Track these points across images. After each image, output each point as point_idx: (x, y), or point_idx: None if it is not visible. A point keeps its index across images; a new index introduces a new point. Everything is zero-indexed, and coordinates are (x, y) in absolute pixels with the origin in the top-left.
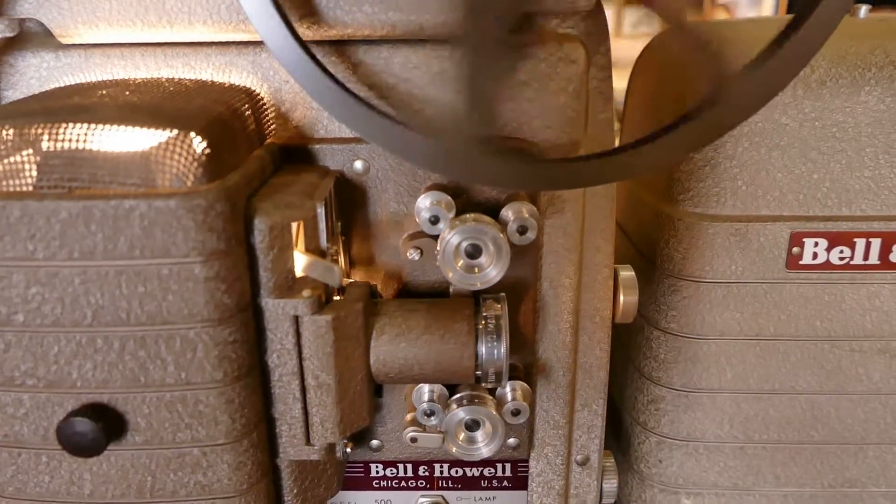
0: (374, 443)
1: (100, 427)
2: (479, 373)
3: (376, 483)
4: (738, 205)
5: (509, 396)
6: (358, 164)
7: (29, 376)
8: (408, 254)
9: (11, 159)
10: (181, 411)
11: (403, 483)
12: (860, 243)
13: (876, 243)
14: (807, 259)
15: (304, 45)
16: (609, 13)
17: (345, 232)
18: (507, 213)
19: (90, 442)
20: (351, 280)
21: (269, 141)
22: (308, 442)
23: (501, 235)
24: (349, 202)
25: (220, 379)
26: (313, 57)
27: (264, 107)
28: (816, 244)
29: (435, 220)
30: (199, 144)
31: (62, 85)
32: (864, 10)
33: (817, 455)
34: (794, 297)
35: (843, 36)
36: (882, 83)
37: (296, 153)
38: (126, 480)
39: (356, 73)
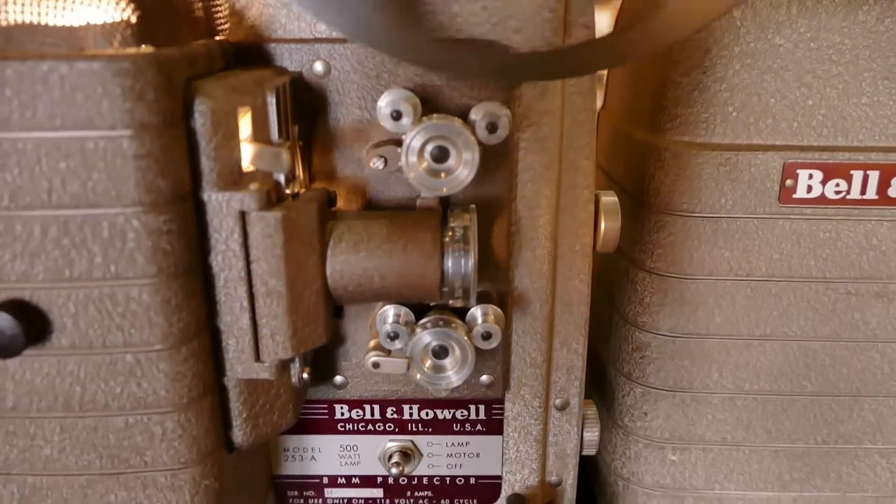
0: (338, 379)
1: (20, 326)
2: (445, 288)
3: (341, 426)
4: (728, 132)
5: (480, 320)
6: (318, 66)
7: None
8: (371, 163)
9: None
10: (111, 310)
11: (371, 427)
12: (857, 176)
13: (874, 176)
14: (801, 192)
15: None
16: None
17: (304, 140)
18: (476, 112)
19: (8, 339)
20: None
21: (225, 38)
22: (258, 358)
23: (470, 134)
24: (308, 108)
25: (154, 274)
26: None
27: (215, 1)
28: (811, 176)
29: (397, 116)
30: (131, 10)
31: None
32: None
33: (810, 408)
34: (786, 233)
35: None
36: (881, 2)
37: (251, 53)
38: (52, 391)
39: None
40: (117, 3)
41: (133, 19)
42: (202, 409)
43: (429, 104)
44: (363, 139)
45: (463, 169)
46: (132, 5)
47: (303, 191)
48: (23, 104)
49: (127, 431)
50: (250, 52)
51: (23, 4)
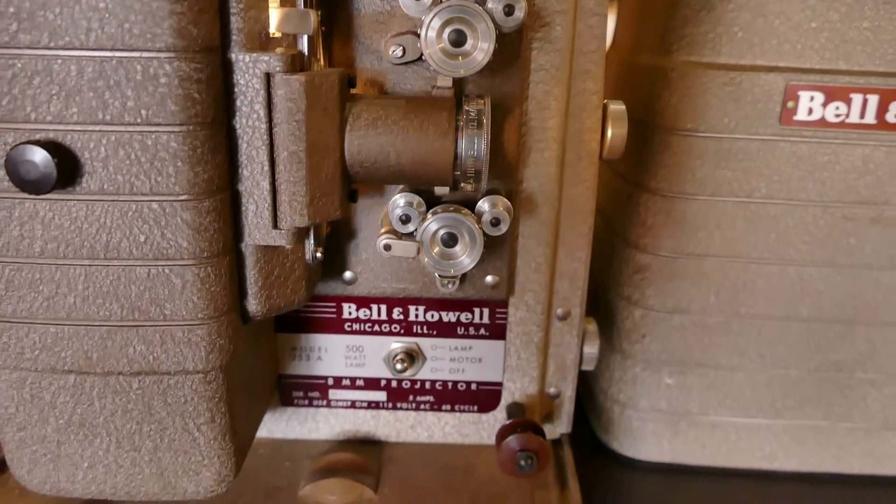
0: (348, 274)
1: (52, 159)
2: (457, 172)
3: (348, 326)
4: (733, 53)
5: (489, 208)
6: None
7: None
8: (390, 51)
9: None
10: (140, 156)
11: (377, 327)
12: (857, 99)
13: (873, 100)
14: (801, 115)
15: None
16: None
17: (326, 27)
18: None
19: (42, 175)
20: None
21: None
22: (276, 225)
23: (488, 16)
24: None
25: (183, 121)
26: None
27: None
28: (812, 98)
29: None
30: None
31: None
32: None
33: (804, 334)
34: (786, 155)
35: None
36: None
37: None
38: (79, 236)
39: None
40: None
41: None
42: (221, 266)
43: None
44: (383, 31)
45: (479, 52)
46: None
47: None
48: None
49: (149, 282)
50: None
51: None
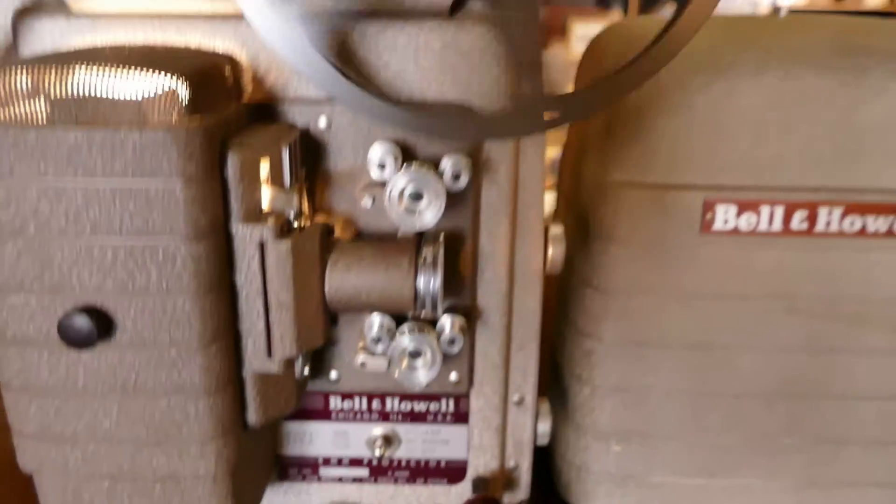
0: (333, 374)
1: (94, 324)
2: (418, 303)
3: (335, 415)
4: (658, 174)
5: (447, 329)
6: (322, 121)
7: (36, 280)
8: (362, 202)
9: (28, 99)
10: (161, 316)
11: (359, 415)
12: (765, 211)
13: (779, 211)
14: (719, 225)
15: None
16: None
17: (308, 181)
18: (446, 161)
19: (85, 336)
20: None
21: (245, 100)
22: (270, 355)
23: (439, 182)
24: (313, 155)
25: (195, 289)
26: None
27: (242, 70)
28: (727, 211)
29: (382, 166)
30: (184, 88)
31: (71, 48)
32: (784, 9)
33: (733, 407)
34: (708, 258)
35: (750, 26)
36: (784, 66)
37: (268, 111)
38: (114, 376)
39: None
40: (175, 79)
41: (186, 94)
42: (226, 394)
43: (409, 151)
44: (356, 181)
45: (431, 211)
46: (186, 82)
47: (308, 223)
48: (105, 160)
49: (168, 410)
50: (269, 110)
51: (99, 77)
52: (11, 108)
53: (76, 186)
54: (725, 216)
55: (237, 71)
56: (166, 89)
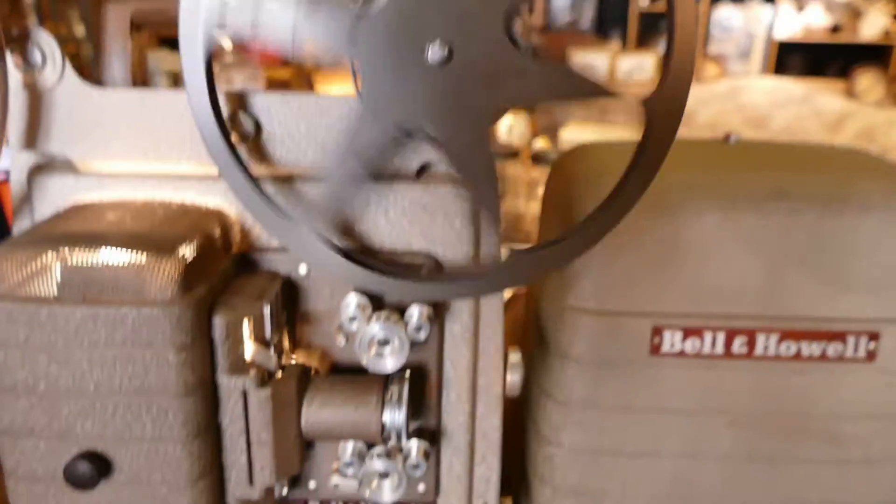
0: (311, 484)
1: (94, 468)
2: (385, 433)
3: None
4: (612, 302)
5: (413, 453)
6: (302, 269)
7: (45, 429)
8: (337, 340)
9: (40, 276)
10: (154, 459)
11: None
12: (708, 336)
13: (721, 336)
14: (666, 348)
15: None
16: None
17: (290, 321)
18: (411, 312)
19: (87, 480)
20: (293, 360)
21: (234, 251)
22: (251, 484)
23: (404, 333)
24: (294, 298)
25: (185, 437)
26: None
27: (231, 225)
28: (673, 336)
29: (352, 319)
30: (177, 268)
31: (80, 202)
32: (733, 138)
33: None
34: (657, 377)
35: (696, 166)
36: (724, 209)
37: (254, 260)
38: None
39: (297, 198)
40: (171, 262)
41: (180, 274)
42: None
43: (379, 300)
44: (332, 320)
45: (395, 358)
46: (180, 264)
47: (289, 361)
48: (107, 333)
49: None
50: (255, 259)
51: (103, 259)
52: (25, 286)
53: (82, 355)
54: (672, 340)
55: (226, 226)
56: (163, 271)
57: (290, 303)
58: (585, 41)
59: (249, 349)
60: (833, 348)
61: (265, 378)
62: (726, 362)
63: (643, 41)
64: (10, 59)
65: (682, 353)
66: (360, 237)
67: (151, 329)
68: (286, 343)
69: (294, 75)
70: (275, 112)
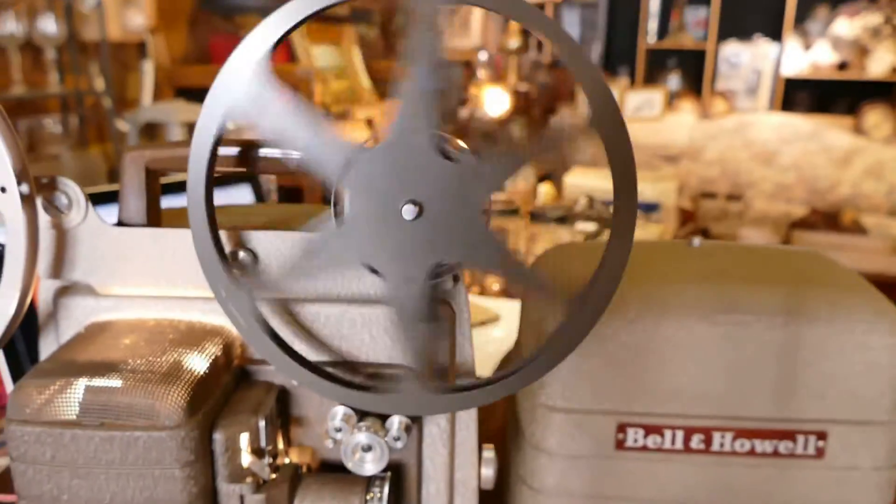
0: None
1: None
2: None
3: None
4: (580, 402)
5: None
6: (295, 381)
7: None
8: (326, 442)
9: (63, 402)
10: None
11: None
12: (668, 433)
13: (679, 434)
14: (629, 443)
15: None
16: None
17: (284, 423)
18: (390, 423)
19: None
20: (287, 460)
21: (234, 364)
22: None
23: (384, 443)
24: (288, 404)
25: None
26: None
27: (232, 341)
28: (636, 432)
29: (338, 430)
30: (183, 396)
31: (98, 321)
32: (696, 240)
33: None
34: (622, 469)
35: (656, 275)
36: (679, 319)
37: (252, 371)
38: None
39: (290, 321)
40: (178, 390)
41: (186, 401)
42: None
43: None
44: (322, 423)
45: (375, 464)
46: (187, 394)
47: (283, 459)
48: (122, 453)
49: None
50: (253, 370)
51: (118, 389)
52: (50, 411)
53: (100, 471)
54: (635, 436)
55: (228, 342)
56: (171, 399)
57: (285, 408)
58: None
59: (246, 459)
60: (784, 446)
61: (260, 483)
62: (685, 457)
63: (651, 77)
64: (40, 204)
65: (644, 448)
66: (345, 354)
67: (160, 450)
68: (281, 444)
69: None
70: (271, 247)
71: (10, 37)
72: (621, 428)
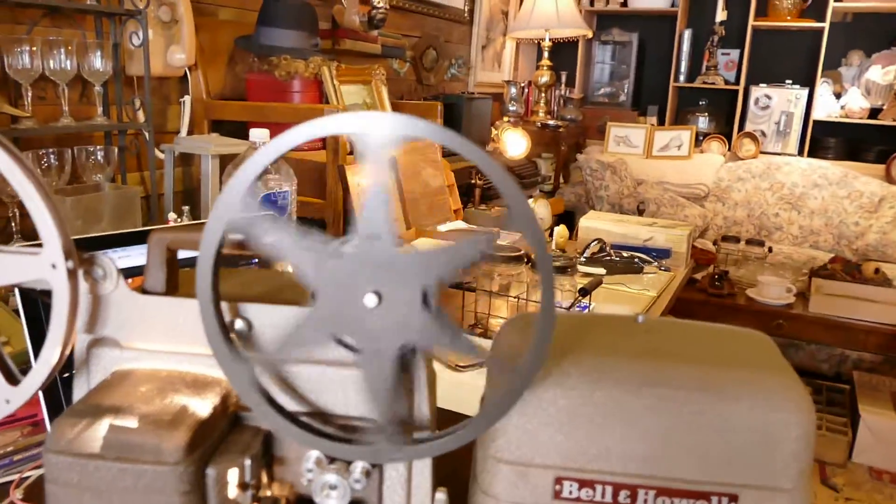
0: None
1: None
2: None
3: None
4: (522, 455)
5: None
6: (275, 429)
7: None
8: (303, 479)
9: (89, 439)
10: None
11: None
12: (599, 487)
13: (609, 489)
14: (566, 494)
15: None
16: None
17: (268, 462)
18: (355, 465)
19: None
20: (269, 493)
21: (230, 410)
22: None
23: (347, 484)
24: (272, 445)
25: None
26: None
27: (229, 392)
28: (571, 485)
29: (310, 470)
30: (185, 438)
31: (121, 369)
32: (641, 317)
33: None
34: None
35: (597, 348)
36: (608, 390)
37: (244, 417)
38: None
39: (275, 378)
40: (182, 434)
41: (186, 443)
42: None
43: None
44: (300, 463)
45: (339, 501)
46: (188, 436)
47: (266, 492)
48: (135, 483)
49: None
50: (244, 416)
51: (134, 431)
52: (79, 444)
53: (115, 495)
54: (570, 489)
55: (225, 392)
56: (174, 440)
57: (269, 448)
58: (623, 115)
59: (233, 492)
60: None
61: None
62: None
63: (680, 116)
64: (80, 275)
65: (578, 500)
66: (321, 407)
67: (163, 481)
68: (264, 479)
69: (330, 160)
70: (264, 317)
71: (62, 72)
72: (558, 480)
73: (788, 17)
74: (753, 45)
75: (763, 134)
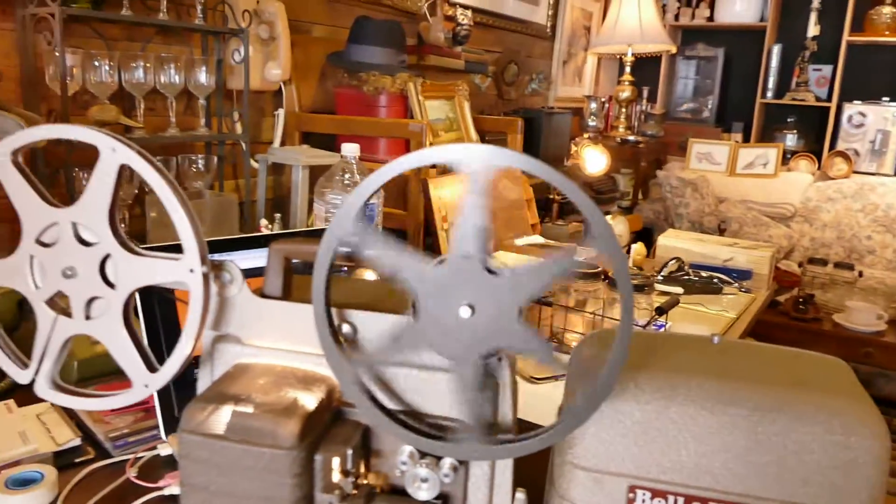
0: None
1: None
2: None
3: None
4: (598, 463)
5: None
6: (375, 424)
7: None
8: (396, 471)
9: (217, 422)
10: None
11: None
12: (671, 498)
13: (681, 500)
14: (639, 502)
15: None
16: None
17: (366, 454)
18: (445, 461)
19: None
20: (366, 481)
21: (333, 405)
22: None
23: (437, 477)
24: (370, 439)
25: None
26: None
27: (334, 388)
28: (644, 494)
29: (404, 463)
30: (298, 426)
31: (242, 363)
32: (716, 338)
33: None
34: None
35: (674, 365)
36: (685, 406)
37: (346, 412)
38: None
39: (376, 379)
40: (294, 422)
41: (299, 430)
42: None
43: None
44: (395, 456)
45: (428, 492)
46: (300, 424)
47: (363, 480)
48: (253, 465)
49: None
50: (346, 412)
51: (251, 415)
52: (207, 426)
53: (236, 472)
54: (643, 498)
55: (330, 388)
56: (289, 427)
57: (367, 442)
58: (706, 132)
59: (336, 477)
60: None
61: (344, 496)
62: None
63: (766, 134)
64: (212, 279)
65: None
66: (415, 406)
67: (279, 463)
68: (362, 468)
69: (412, 173)
70: (368, 322)
71: (171, 86)
72: (632, 489)
73: (887, 32)
74: (847, 61)
75: (856, 153)
